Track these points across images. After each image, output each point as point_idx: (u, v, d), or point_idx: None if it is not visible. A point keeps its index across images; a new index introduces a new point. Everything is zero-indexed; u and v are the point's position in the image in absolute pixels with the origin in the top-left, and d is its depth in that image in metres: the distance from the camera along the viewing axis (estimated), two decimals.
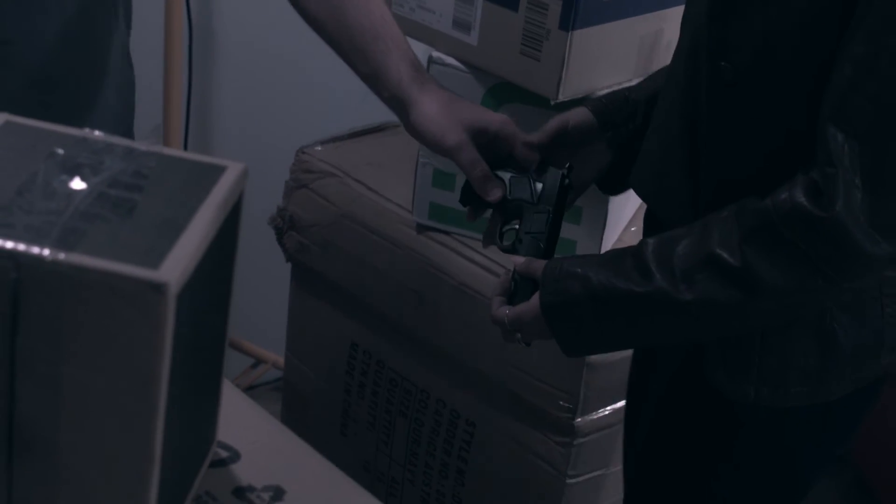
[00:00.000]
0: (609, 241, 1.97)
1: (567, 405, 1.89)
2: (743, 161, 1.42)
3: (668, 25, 1.92)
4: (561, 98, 1.80)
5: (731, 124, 1.41)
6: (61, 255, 0.86)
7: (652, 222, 1.66)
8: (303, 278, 2.26)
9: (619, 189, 1.72)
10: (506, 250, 1.61)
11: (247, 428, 1.18)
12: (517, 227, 1.60)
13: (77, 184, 0.94)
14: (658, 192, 1.57)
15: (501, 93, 1.89)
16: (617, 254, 1.44)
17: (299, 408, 2.34)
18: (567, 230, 1.94)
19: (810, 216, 1.28)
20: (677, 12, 1.90)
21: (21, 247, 0.86)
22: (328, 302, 2.21)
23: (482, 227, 1.96)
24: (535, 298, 1.47)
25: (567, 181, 1.60)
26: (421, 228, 2.02)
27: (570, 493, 1.95)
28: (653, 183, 1.58)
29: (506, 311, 1.52)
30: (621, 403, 1.93)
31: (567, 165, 1.61)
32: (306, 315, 2.28)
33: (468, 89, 1.90)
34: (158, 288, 0.85)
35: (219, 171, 1.00)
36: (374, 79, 1.64)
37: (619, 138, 1.64)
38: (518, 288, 1.52)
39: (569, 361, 1.85)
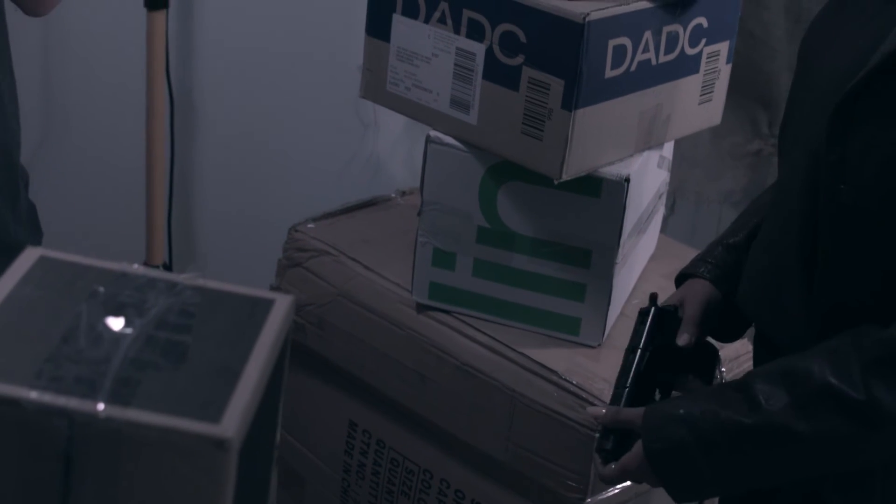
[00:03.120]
0: (612, 317, 1.95)
1: (576, 485, 1.86)
2: (862, 285, 1.37)
3: (665, 100, 1.91)
4: (564, 177, 1.79)
5: (850, 246, 1.36)
6: (117, 411, 0.83)
7: (763, 342, 1.59)
8: (297, 356, 2.21)
9: (737, 335, 1.67)
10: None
11: None
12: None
13: (122, 326, 0.91)
14: (771, 313, 1.51)
15: (502, 172, 1.87)
16: (720, 388, 1.40)
17: (296, 487, 2.30)
18: (570, 307, 1.93)
19: None
20: (675, 87, 1.91)
21: (74, 403, 0.83)
22: (324, 380, 2.18)
23: (486, 306, 1.95)
24: (638, 447, 1.42)
25: (653, 318, 1.58)
26: (421, 308, 1.99)
27: None
28: (764, 303, 1.52)
29: (612, 467, 1.47)
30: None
31: (651, 295, 1.60)
32: (302, 393, 2.24)
33: (468, 168, 1.88)
34: (221, 444, 0.82)
35: (267, 304, 0.97)
36: None
37: (734, 289, 1.60)
38: (618, 442, 1.48)
39: (577, 440, 1.83)
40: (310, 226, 2.18)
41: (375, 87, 1.97)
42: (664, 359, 1.57)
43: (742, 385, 1.36)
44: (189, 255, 2.71)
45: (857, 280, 1.37)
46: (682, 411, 1.38)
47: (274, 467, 1.02)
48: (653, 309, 1.58)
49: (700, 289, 1.62)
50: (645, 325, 1.57)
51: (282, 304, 0.96)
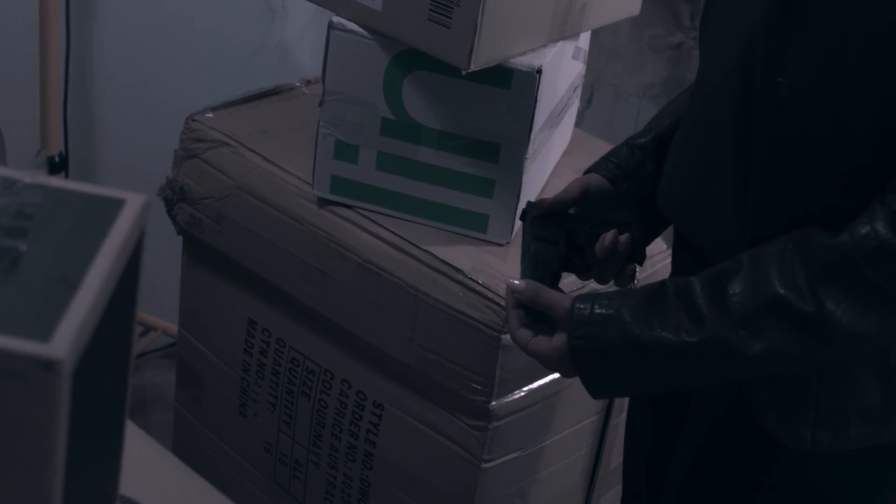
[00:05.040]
0: None
1: (481, 388, 1.80)
2: (801, 186, 1.28)
3: None
4: (473, 67, 1.69)
5: (786, 143, 1.27)
6: None
7: (686, 248, 1.52)
8: (195, 252, 2.13)
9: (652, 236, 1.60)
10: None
11: (149, 475, 1.06)
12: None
13: None
14: (698, 217, 1.43)
15: (408, 60, 1.78)
16: (656, 292, 1.30)
17: (194, 386, 2.22)
18: (478, 203, 1.85)
19: None
20: None
21: None
22: (223, 277, 2.09)
23: (390, 201, 1.86)
24: (561, 339, 1.34)
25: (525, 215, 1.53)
26: (322, 202, 1.90)
27: (485, 478, 1.87)
28: (691, 208, 1.44)
29: (529, 339, 1.38)
30: (537, 384, 1.86)
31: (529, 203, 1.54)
32: (200, 290, 2.15)
33: (372, 57, 1.79)
34: (51, 366, 0.73)
35: (116, 205, 0.87)
36: None
37: (635, 190, 1.53)
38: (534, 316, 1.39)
39: (482, 343, 1.76)
40: (208, 115, 2.07)
41: None
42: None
43: (683, 290, 1.28)
44: (87, 146, 2.59)
45: (793, 182, 1.29)
46: (613, 312, 1.30)
47: (129, 387, 0.94)
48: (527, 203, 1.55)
49: (588, 178, 1.56)
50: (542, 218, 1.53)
51: (133, 206, 0.87)
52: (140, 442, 1.14)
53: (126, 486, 1.03)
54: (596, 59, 2.56)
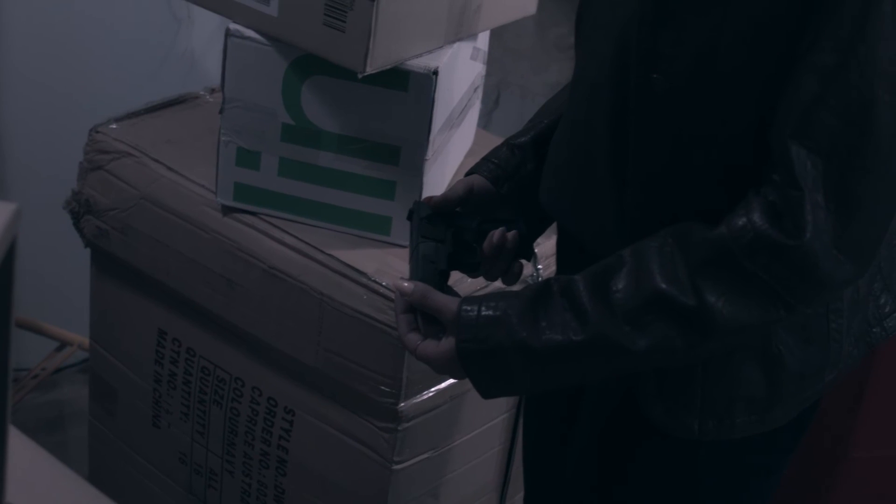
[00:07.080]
0: None
1: (389, 390, 1.81)
2: (677, 179, 1.30)
3: None
4: (369, 70, 1.70)
5: (663, 140, 1.29)
6: None
7: (568, 244, 1.54)
8: (104, 264, 2.13)
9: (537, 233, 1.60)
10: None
11: (42, 486, 1.06)
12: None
13: None
14: (578, 214, 1.45)
15: (305, 66, 1.79)
16: (542, 293, 1.30)
17: (107, 398, 2.21)
18: (380, 206, 1.86)
19: (777, 245, 1.18)
20: None
21: None
22: (132, 288, 2.08)
23: (293, 207, 1.87)
24: (449, 343, 1.33)
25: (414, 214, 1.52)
26: (226, 210, 1.90)
27: (397, 480, 1.88)
28: (571, 205, 1.45)
29: (417, 343, 1.37)
30: (445, 384, 1.87)
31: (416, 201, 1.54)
32: (109, 301, 2.15)
33: (269, 63, 1.79)
34: None
35: None
36: None
37: (517, 190, 1.54)
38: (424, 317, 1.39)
39: (388, 344, 1.77)
40: (112, 126, 2.07)
41: None
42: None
43: (567, 289, 1.29)
44: None
45: (669, 176, 1.31)
46: (500, 314, 1.30)
47: (8, 398, 0.93)
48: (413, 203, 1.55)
49: (471, 179, 1.56)
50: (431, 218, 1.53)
51: (2, 215, 0.87)
52: (31, 452, 1.14)
53: (16, 498, 1.03)
54: (501, 60, 2.58)
